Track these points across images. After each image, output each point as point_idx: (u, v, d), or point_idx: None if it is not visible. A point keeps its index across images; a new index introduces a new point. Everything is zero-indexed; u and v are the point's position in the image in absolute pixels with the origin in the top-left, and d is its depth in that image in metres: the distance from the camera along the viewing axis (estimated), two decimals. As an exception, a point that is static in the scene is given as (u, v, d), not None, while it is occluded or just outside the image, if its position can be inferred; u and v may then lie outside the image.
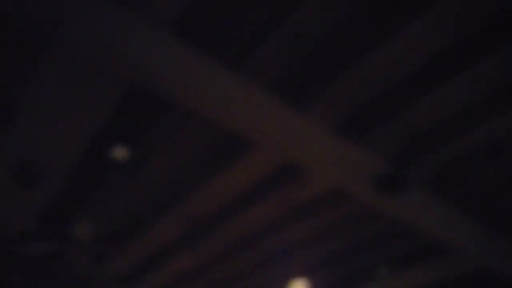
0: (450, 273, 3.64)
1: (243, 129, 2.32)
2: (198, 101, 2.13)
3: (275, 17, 1.86)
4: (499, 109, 2.23)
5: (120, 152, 2.64)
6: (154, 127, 2.46)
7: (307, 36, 1.93)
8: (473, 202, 2.89)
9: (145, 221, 3.24)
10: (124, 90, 2.24)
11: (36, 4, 1.84)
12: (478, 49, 1.94)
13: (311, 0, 1.76)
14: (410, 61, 2.01)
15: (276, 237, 3.24)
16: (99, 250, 3.07)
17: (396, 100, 2.24)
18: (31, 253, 2.87)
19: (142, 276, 4.00)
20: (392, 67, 2.06)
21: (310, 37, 1.94)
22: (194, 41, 1.99)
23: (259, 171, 2.71)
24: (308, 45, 1.98)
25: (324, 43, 1.97)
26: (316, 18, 1.86)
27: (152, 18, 1.92)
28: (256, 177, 2.75)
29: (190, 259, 3.72)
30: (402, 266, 3.64)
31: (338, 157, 2.56)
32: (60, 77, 2.26)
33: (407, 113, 2.29)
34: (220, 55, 2.05)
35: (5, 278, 3.46)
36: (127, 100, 2.36)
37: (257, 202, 2.97)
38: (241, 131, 2.33)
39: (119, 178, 2.84)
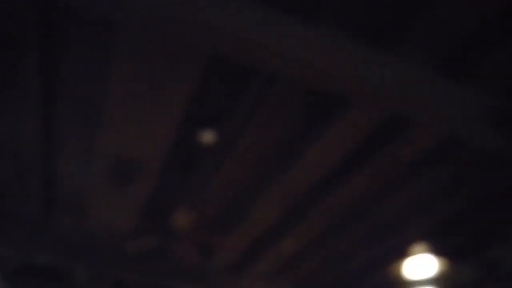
0: None
1: (339, 86, 2.04)
2: (287, 63, 1.89)
3: None
4: None
5: (207, 135, 2.49)
6: (240, 100, 2.26)
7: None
8: None
9: (242, 206, 3.09)
10: (204, 65, 2.06)
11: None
12: None
13: None
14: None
15: (388, 202, 2.90)
16: (202, 241, 2.98)
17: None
18: (138, 249, 2.86)
19: (248, 264, 3.89)
20: None
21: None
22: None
23: (360, 132, 2.40)
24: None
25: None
26: None
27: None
28: (356, 139, 2.45)
29: (295, 239, 3.52)
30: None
31: (446, 100, 2.19)
32: (137, 65, 2.14)
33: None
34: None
35: (117, 277, 3.54)
36: (206, 77, 2.19)
37: (360, 167, 2.66)
38: (336, 88, 2.05)
39: (209, 163, 2.70)
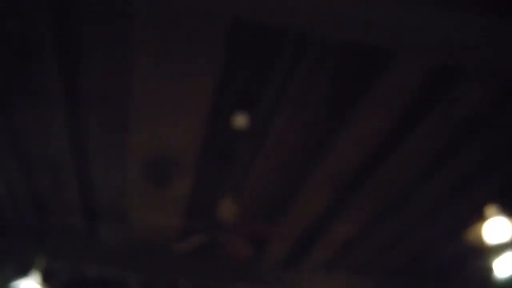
0: None
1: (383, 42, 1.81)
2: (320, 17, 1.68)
3: None
4: None
5: (240, 119, 2.32)
6: (271, 74, 2.07)
7: None
8: None
9: (288, 191, 2.89)
10: (228, 39, 1.88)
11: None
12: None
13: None
14: None
15: (450, 164, 2.60)
16: (252, 233, 2.80)
17: None
18: (186, 249, 2.73)
19: (301, 256, 3.68)
20: None
21: None
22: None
23: (409, 88, 2.13)
24: None
25: None
26: None
27: None
28: (406, 97, 2.18)
29: (348, 223, 3.28)
30: None
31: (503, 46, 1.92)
32: (158, 54, 2.00)
33: None
34: None
35: (170, 282, 3.43)
36: (231, 55, 2.00)
37: (413, 128, 2.38)
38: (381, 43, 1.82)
39: (247, 148, 2.53)
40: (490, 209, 2.38)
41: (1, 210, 3.11)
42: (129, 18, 1.81)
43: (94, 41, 1.93)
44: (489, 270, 2.52)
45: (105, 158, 2.66)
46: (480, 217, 2.46)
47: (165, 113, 2.32)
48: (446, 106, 2.23)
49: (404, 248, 3.64)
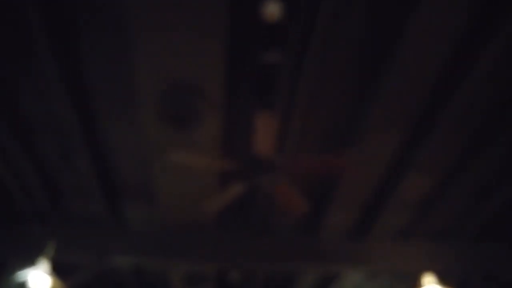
0: None
1: None
2: None
3: None
4: None
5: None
6: None
7: None
8: None
9: (347, 130, 2.30)
10: None
11: None
12: None
13: None
14: None
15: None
16: (312, 170, 2.13)
17: None
18: (219, 206, 2.13)
19: (369, 223, 3.05)
20: None
21: None
22: None
23: None
24: None
25: None
26: None
27: None
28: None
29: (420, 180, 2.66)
30: None
31: None
32: None
33: None
34: None
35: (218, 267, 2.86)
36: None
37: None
38: None
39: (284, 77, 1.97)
40: None
41: (12, 196, 2.68)
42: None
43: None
44: None
45: (115, 112, 2.19)
46: None
47: (176, 36, 1.81)
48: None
49: (485, 212, 2.96)
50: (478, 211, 2.98)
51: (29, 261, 2.33)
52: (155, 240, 2.91)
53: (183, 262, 2.96)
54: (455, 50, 1.88)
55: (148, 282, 3.29)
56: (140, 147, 2.37)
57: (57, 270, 2.46)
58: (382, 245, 3.16)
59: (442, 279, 2.83)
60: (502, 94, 2.10)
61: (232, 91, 2.03)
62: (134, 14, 1.72)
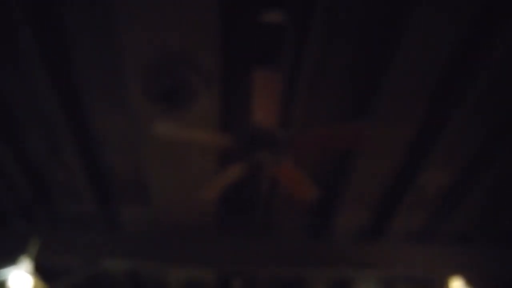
0: None
1: None
2: None
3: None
4: None
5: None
6: None
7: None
8: None
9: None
10: None
11: None
12: None
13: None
14: None
15: None
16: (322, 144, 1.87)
17: None
18: (225, 185, 1.87)
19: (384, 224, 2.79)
20: None
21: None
22: None
23: None
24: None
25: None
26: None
27: None
28: None
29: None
30: None
31: None
32: None
33: None
34: None
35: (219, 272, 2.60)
36: None
37: None
38: None
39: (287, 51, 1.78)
40: None
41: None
42: None
43: None
44: None
45: (103, 100, 2.02)
46: None
47: (163, 5, 1.65)
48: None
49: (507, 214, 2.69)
50: (499, 211, 2.72)
51: (13, 261, 2.12)
52: (150, 242, 2.67)
53: (180, 267, 2.71)
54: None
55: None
56: (132, 137, 2.18)
57: (46, 273, 2.24)
58: (398, 246, 2.86)
59: (471, 284, 2.53)
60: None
61: (229, 59, 1.83)
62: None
